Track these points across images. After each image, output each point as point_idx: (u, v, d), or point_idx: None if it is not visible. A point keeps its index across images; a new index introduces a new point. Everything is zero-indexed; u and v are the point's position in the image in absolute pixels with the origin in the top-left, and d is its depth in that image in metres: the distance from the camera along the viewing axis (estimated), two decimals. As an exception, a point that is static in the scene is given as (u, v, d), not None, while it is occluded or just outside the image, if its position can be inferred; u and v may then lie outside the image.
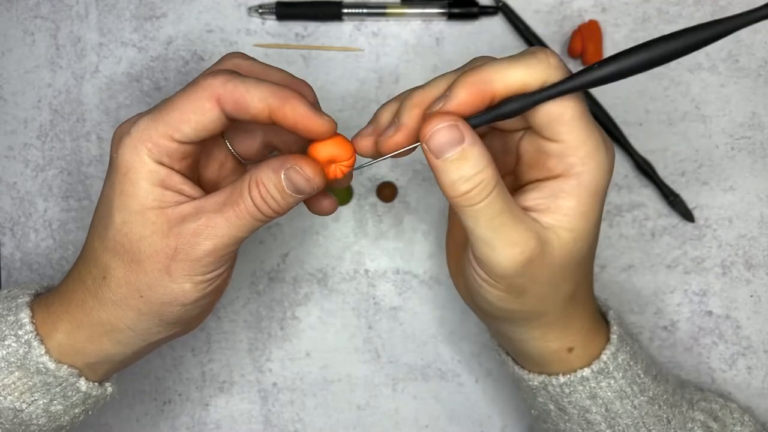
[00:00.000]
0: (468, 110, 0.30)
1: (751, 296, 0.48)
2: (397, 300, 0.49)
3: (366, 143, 0.33)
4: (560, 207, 0.30)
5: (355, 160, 0.33)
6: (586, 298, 0.36)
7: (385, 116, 0.33)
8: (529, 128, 0.32)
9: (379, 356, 0.49)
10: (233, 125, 0.34)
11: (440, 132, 0.29)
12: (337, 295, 0.49)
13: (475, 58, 0.33)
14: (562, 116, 0.29)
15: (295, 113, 0.31)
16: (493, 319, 0.36)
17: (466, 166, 0.29)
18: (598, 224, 0.32)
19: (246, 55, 0.35)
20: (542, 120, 0.30)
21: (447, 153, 0.29)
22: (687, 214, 0.48)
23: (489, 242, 0.30)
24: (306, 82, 0.35)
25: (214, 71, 0.32)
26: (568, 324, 0.35)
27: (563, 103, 0.29)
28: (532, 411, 0.40)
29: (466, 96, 0.29)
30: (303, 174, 0.31)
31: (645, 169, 0.47)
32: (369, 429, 0.49)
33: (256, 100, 0.30)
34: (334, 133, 0.33)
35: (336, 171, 0.33)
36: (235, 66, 0.34)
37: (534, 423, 0.42)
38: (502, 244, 0.30)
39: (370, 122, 0.34)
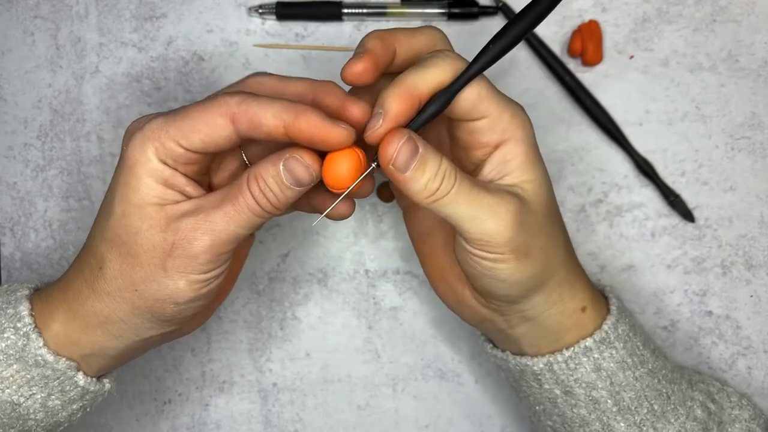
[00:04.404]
0: (404, 119, 0.32)
1: (751, 296, 0.48)
2: (397, 300, 0.49)
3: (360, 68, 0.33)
4: (512, 167, 0.34)
5: (361, 168, 0.33)
6: (577, 261, 0.39)
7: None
8: (453, 119, 0.34)
9: (379, 356, 0.49)
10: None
11: (401, 150, 0.31)
12: (337, 295, 0.49)
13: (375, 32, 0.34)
14: (480, 95, 0.33)
15: (310, 125, 0.31)
16: (512, 302, 0.36)
17: (429, 168, 0.31)
18: (547, 173, 0.35)
19: (267, 72, 0.36)
20: (466, 106, 0.33)
21: (411, 165, 0.31)
22: (687, 214, 0.48)
23: (476, 217, 0.32)
24: (331, 82, 0.35)
25: (231, 91, 0.32)
26: (576, 282, 0.37)
27: (477, 85, 0.33)
28: (537, 407, 0.40)
29: (399, 106, 0.32)
30: (302, 161, 0.32)
31: (645, 169, 0.47)
32: (369, 429, 0.49)
33: (269, 117, 0.31)
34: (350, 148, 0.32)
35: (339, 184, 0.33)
36: (257, 83, 0.35)
37: (536, 425, 0.42)
38: (487, 212, 0.32)
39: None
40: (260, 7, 0.48)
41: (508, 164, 0.34)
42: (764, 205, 0.48)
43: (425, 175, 0.31)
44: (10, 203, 0.49)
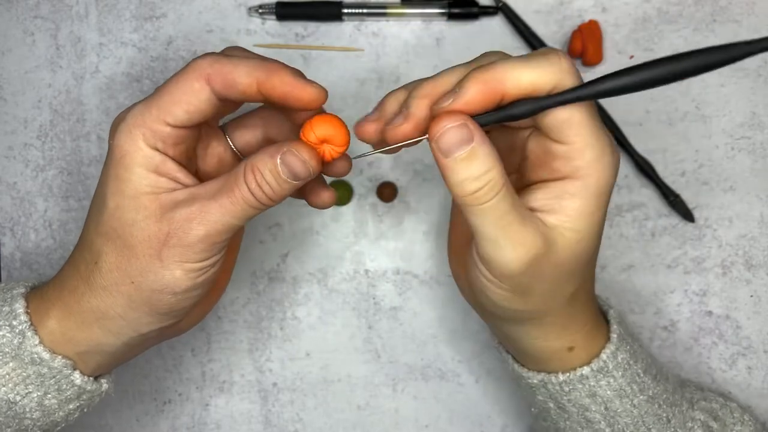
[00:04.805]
0: (477, 108, 0.29)
1: (751, 296, 0.48)
2: (397, 300, 0.49)
3: (370, 129, 0.32)
4: (565, 208, 0.30)
5: (349, 141, 0.33)
6: (587, 297, 0.36)
7: (392, 105, 0.32)
8: (536, 128, 0.31)
9: (379, 356, 0.49)
10: (234, 121, 0.34)
11: (450, 131, 0.29)
12: (337, 295, 0.49)
13: (486, 53, 0.32)
14: (571, 120, 0.29)
15: (283, 83, 0.31)
16: (495, 318, 0.36)
17: (474, 166, 0.29)
18: (602, 226, 0.32)
19: (245, 49, 0.34)
20: (551, 122, 0.30)
21: (456, 152, 0.29)
22: (687, 214, 0.48)
23: (495, 241, 0.30)
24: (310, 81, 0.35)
25: (202, 54, 0.32)
26: (568, 324, 0.35)
27: (572, 108, 0.29)
28: (532, 409, 0.40)
29: (477, 94, 0.29)
30: (299, 156, 0.31)
31: (645, 169, 0.47)
32: (369, 429, 0.49)
33: (243, 74, 0.31)
34: (328, 113, 0.33)
35: (332, 152, 0.33)
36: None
37: (534, 421, 0.42)
38: (509, 243, 0.30)
39: (375, 109, 0.33)
40: (260, 7, 0.48)
41: (562, 202, 0.31)
42: (764, 205, 0.48)
43: (467, 172, 0.29)
44: (10, 203, 0.49)
